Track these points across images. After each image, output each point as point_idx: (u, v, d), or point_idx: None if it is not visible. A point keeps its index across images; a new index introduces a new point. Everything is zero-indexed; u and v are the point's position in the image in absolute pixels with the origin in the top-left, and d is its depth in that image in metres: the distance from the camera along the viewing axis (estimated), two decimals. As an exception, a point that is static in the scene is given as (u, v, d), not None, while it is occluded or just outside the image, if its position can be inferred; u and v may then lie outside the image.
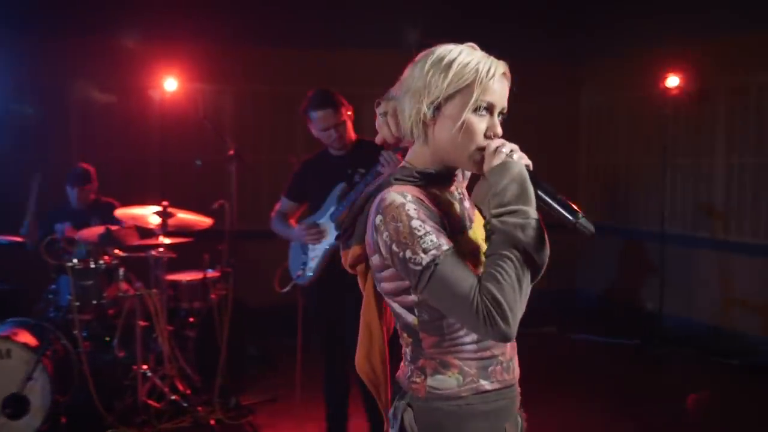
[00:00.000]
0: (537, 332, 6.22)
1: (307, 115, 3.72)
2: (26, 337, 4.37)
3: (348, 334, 3.77)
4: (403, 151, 3.51)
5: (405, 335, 1.74)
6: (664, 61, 6.62)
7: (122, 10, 6.39)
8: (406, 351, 1.75)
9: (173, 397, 4.69)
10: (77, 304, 4.55)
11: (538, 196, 1.58)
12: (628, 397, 5.38)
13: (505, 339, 1.53)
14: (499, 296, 1.49)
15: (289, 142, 7.24)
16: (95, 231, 4.71)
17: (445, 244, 1.55)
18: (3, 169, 6.16)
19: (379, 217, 1.61)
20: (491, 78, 1.63)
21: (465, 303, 1.51)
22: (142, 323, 4.68)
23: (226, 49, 6.86)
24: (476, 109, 1.63)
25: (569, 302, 7.56)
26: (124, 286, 4.75)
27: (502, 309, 1.48)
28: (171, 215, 4.74)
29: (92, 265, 4.69)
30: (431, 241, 1.54)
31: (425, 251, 1.54)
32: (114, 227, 4.72)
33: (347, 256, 1.76)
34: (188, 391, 4.80)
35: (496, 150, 1.61)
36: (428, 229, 1.56)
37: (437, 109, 1.65)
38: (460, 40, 1.73)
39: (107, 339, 4.79)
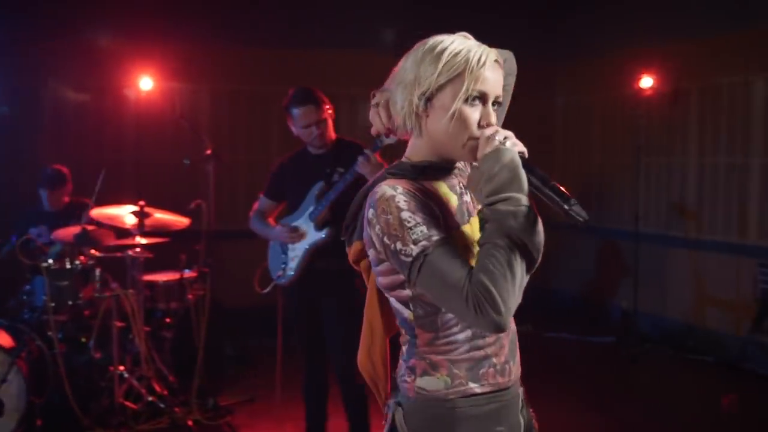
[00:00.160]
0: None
1: (288, 112, 3.71)
2: (0, 339, 4.32)
3: (328, 333, 3.78)
4: (382, 150, 3.55)
5: (403, 332, 1.73)
6: (637, 62, 6.69)
7: (97, 9, 6.33)
8: (403, 349, 1.75)
9: (150, 398, 4.66)
10: (52, 304, 4.50)
11: (531, 183, 1.56)
12: (603, 394, 5.43)
13: (497, 329, 1.50)
14: (489, 285, 1.46)
15: (265, 141, 7.22)
16: (71, 231, 4.66)
17: (436, 235, 1.53)
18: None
19: (371, 211, 1.60)
20: (482, 66, 1.60)
21: (456, 293, 1.49)
22: (118, 324, 4.64)
23: (202, 49, 6.82)
24: (468, 99, 1.60)
25: (545, 301, 7.61)
26: (100, 287, 4.71)
27: (493, 298, 1.46)
28: (148, 215, 4.71)
29: (68, 266, 4.64)
30: (421, 232, 1.53)
31: (415, 242, 1.53)
32: (90, 227, 4.67)
33: (351, 253, 1.75)
34: (165, 392, 4.77)
35: (489, 138, 1.59)
36: (418, 220, 1.55)
37: (429, 100, 1.63)
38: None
39: (83, 340, 4.74)
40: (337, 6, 7.02)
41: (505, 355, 1.70)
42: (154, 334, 5.02)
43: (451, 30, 1.69)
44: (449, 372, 1.65)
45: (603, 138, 7.72)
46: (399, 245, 1.55)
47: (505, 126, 1.69)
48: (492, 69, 1.63)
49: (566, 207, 1.51)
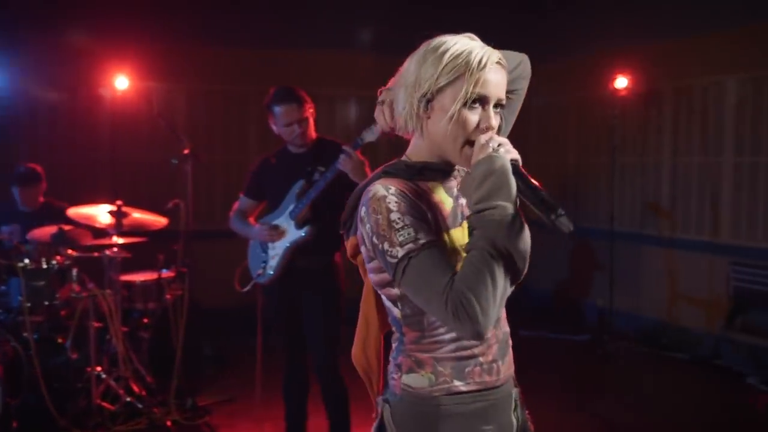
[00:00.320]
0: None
1: (270, 110, 3.71)
2: (-25, 340, 4.27)
3: (309, 331, 3.78)
4: (363, 149, 3.57)
5: (394, 329, 1.75)
6: (612, 62, 6.76)
7: (72, 7, 6.27)
8: (393, 346, 1.76)
9: (128, 399, 4.63)
10: (28, 305, 4.45)
11: (520, 191, 1.55)
12: (579, 392, 5.49)
13: (476, 336, 1.51)
14: (469, 293, 1.47)
15: (242, 141, 7.20)
16: (48, 230, 4.62)
17: (423, 238, 1.54)
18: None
19: (363, 209, 1.62)
20: (482, 69, 1.58)
21: (436, 298, 1.50)
22: (95, 324, 4.60)
23: (179, 48, 6.78)
24: (467, 102, 1.59)
25: (521, 299, 7.66)
26: (76, 287, 4.67)
27: (472, 306, 1.46)
28: (125, 215, 4.68)
29: (44, 266, 4.59)
30: (408, 234, 1.54)
31: (401, 244, 1.54)
32: (67, 227, 4.63)
33: (348, 247, 1.76)
34: (143, 393, 4.74)
35: (483, 145, 1.58)
36: (407, 222, 1.55)
37: (429, 102, 1.62)
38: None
39: (60, 341, 4.69)
40: (315, 6, 7.01)
41: (493, 355, 1.70)
42: (132, 334, 4.99)
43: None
44: (434, 369, 1.66)
45: (578, 138, 7.79)
46: (386, 245, 1.56)
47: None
48: (493, 72, 1.61)
49: (552, 217, 1.51)
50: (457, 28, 1.73)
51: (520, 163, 1.58)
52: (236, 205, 3.98)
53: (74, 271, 4.69)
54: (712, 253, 6.28)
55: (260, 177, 3.90)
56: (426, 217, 1.59)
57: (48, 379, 4.40)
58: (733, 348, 6.01)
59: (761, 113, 5.89)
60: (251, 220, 3.93)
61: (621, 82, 6.62)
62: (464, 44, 1.62)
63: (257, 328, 4.20)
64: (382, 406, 1.75)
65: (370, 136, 3.45)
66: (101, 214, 4.69)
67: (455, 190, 1.73)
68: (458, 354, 1.66)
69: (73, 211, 4.71)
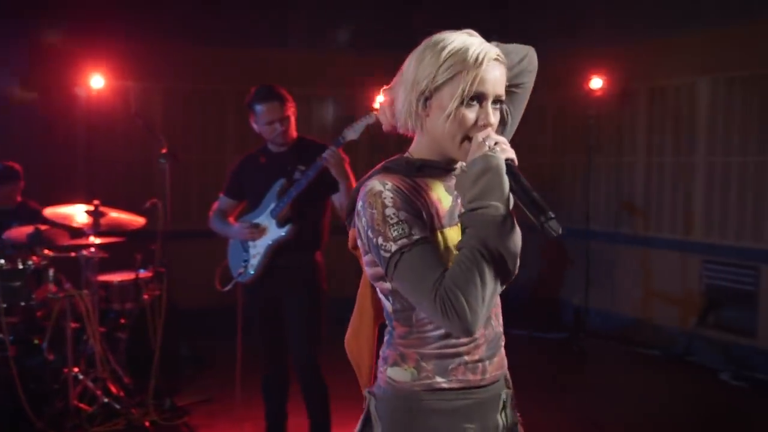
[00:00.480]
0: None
1: (251, 109, 3.71)
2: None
3: (290, 330, 3.78)
4: (345, 147, 3.59)
5: (387, 322, 1.77)
6: (587, 63, 6.84)
7: (47, 5, 6.21)
8: (385, 339, 1.78)
9: (106, 400, 4.59)
10: (4, 305, 4.39)
11: (512, 191, 1.55)
12: (555, 390, 5.54)
13: (465, 333, 1.53)
14: (457, 290, 1.49)
15: (219, 141, 7.17)
16: (24, 230, 4.58)
17: (417, 234, 1.56)
18: None
19: (360, 203, 1.63)
20: (479, 66, 1.58)
21: (426, 294, 1.52)
22: (72, 325, 4.56)
23: (155, 47, 6.73)
24: (465, 100, 1.58)
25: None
26: (53, 287, 4.62)
27: (461, 304, 1.48)
28: (102, 214, 4.65)
29: (20, 266, 4.55)
30: (402, 230, 1.55)
31: (395, 240, 1.55)
32: (43, 226, 4.59)
33: (349, 238, 1.77)
34: (121, 394, 4.70)
35: (480, 143, 1.58)
36: (402, 218, 1.57)
37: (427, 100, 1.63)
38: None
39: (36, 341, 4.64)
40: (292, 5, 7.01)
41: (480, 354, 1.71)
42: (109, 335, 4.96)
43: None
44: (417, 365, 1.68)
45: (554, 138, 7.86)
46: (380, 240, 1.58)
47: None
48: (491, 68, 1.60)
49: (541, 219, 1.51)
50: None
51: (516, 163, 1.58)
52: (215, 205, 3.96)
53: (51, 272, 4.65)
54: (685, 252, 6.37)
55: (240, 176, 3.89)
56: (421, 214, 1.60)
57: (24, 380, 4.34)
58: (705, 345, 6.10)
59: (733, 114, 6.00)
60: (231, 220, 3.93)
61: (596, 83, 6.69)
62: (462, 41, 1.61)
63: (237, 328, 4.19)
64: (368, 398, 1.77)
65: (351, 134, 3.49)
66: (78, 213, 4.65)
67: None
68: (443, 351, 1.67)
69: (50, 211, 4.67)
